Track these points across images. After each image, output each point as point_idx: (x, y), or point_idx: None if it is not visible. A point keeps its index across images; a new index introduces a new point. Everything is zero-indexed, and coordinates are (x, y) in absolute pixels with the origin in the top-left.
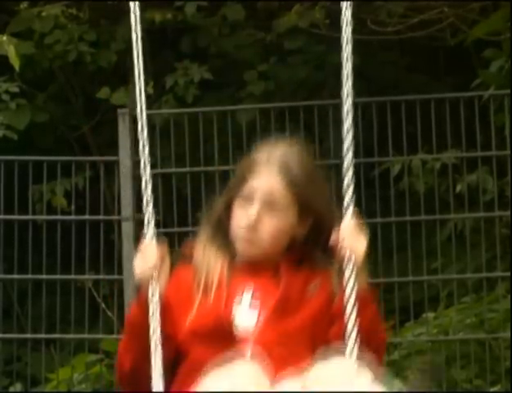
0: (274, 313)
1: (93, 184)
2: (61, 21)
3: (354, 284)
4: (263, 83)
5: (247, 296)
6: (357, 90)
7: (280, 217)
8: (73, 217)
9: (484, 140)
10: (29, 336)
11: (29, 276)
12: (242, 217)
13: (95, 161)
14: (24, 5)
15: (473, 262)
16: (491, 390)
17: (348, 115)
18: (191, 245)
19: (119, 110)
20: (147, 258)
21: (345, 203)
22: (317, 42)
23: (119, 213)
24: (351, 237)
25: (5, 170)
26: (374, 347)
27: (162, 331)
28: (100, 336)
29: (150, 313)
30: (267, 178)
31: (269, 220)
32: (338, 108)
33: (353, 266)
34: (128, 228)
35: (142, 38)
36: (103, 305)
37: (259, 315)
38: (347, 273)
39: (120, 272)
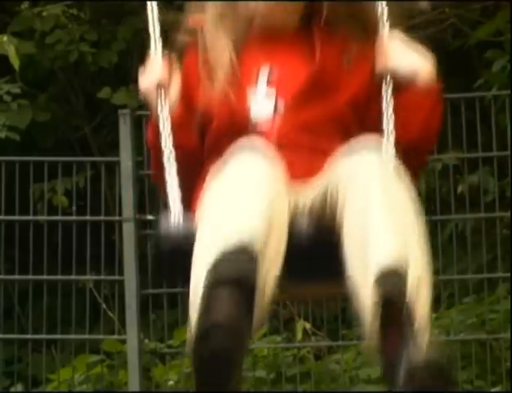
0: (298, 97)
1: (94, 185)
2: (62, 21)
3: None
4: None
5: (263, 78)
6: None
7: None
8: (74, 217)
9: (485, 141)
10: (29, 336)
11: (30, 276)
12: None
13: (96, 162)
14: (24, 5)
15: (474, 263)
16: (492, 390)
17: None
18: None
19: (120, 111)
20: (152, 73)
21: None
22: None
23: (120, 214)
24: (401, 56)
25: (6, 170)
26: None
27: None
28: (101, 336)
29: (161, 130)
30: None
31: None
32: None
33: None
34: (128, 228)
35: (142, 37)
36: (104, 306)
37: (278, 100)
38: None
39: (121, 272)
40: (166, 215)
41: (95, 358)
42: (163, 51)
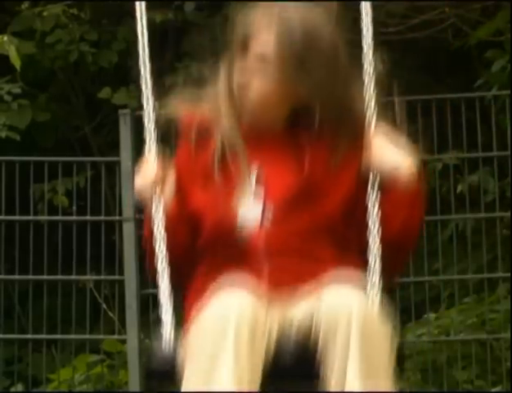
0: (285, 206)
1: (94, 185)
2: (62, 21)
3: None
4: None
5: (252, 181)
6: None
7: (273, 72)
8: (74, 217)
9: (485, 141)
10: (30, 336)
11: (30, 276)
12: (235, 75)
13: (96, 162)
14: (25, 5)
15: (474, 263)
16: (493, 390)
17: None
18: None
19: (121, 111)
20: (147, 174)
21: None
22: None
23: (120, 213)
24: (384, 156)
25: (6, 170)
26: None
27: (182, 212)
28: (101, 336)
29: (155, 231)
30: (257, 33)
31: (260, 73)
32: None
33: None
34: (129, 228)
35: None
36: (104, 306)
37: (266, 205)
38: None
39: (121, 272)
40: (159, 338)
41: (95, 358)
42: (158, 152)
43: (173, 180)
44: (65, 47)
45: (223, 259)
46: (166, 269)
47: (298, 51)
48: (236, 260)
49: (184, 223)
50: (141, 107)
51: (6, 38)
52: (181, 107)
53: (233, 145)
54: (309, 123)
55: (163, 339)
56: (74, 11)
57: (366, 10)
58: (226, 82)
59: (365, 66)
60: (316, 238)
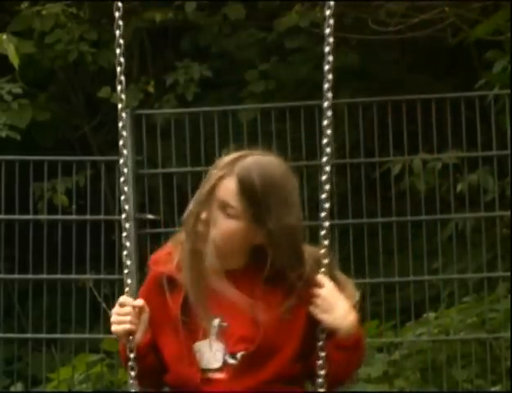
0: (246, 362)
1: (94, 184)
2: (62, 20)
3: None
4: (264, 83)
5: (215, 327)
6: (358, 89)
7: (235, 222)
8: (74, 217)
9: (485, 140)
10: (29, 335)
11: (30, 276)
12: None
13: (96, 161)
14: (24, 4)
15: (474, 262)
16: (492, 389)
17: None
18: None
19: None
20: (124, 317)
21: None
22: (318, 42)
23: (120, 213)
24: (323, 304)
25: (6, 170)
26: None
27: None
28: (101, 336)
29: (129, 368)
30: (224, 184)
31: (224, 223)
32: (338, 107)
33: (323, 330)
34: (129, 227)
35: (142, 37)
36: (104, 305)
37: (227, 354)
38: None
39: (121, 272)
40: None
41: (95, 357)
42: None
43: (146, 324)
44: (65, 47)
45: None
46: None
47: (258, 198)
48: None
49: (152, 352)
50: (140, 106)
51: (5, 36)
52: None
53: (196, 299)
54: (264, 269)
55: None
56: (74, 10)
57: (328, 8)
58: (190, 241)
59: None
60: (274, 385)
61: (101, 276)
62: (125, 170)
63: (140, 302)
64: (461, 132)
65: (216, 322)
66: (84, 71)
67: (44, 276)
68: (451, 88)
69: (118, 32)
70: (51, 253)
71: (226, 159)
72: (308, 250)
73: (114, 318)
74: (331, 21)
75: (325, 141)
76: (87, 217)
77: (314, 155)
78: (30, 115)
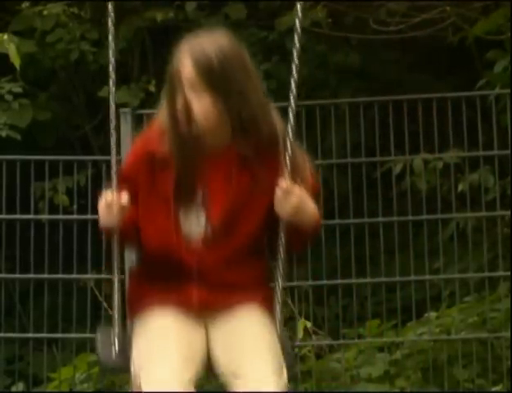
0: (221, 224)
1: (95, 183)
2: (63, 20)
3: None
4: (265, 82)
5: (198, 196)
6: (359, 89)
7: (206, 97)
8: (75, 216)
9: (486, 139)
10: (30, 335)
11: (31, 275)
12: (176, 101)
13: (97, 160)
14: (25, 4)
15: (475, 261)
16: (493, 389)
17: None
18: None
19: (122, 109)
20: (111, 214)
21: (285, 161)
22: (319, 42)
23: None
24: (280, 198)
25: (7, 169)
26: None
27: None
28: None
29: (115, 257)
30: (184, 64)
31: (199, 102)
32: (339, 107)
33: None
34: None
35: (143, 36)
36: (105, 305)
37: (207, 221)
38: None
39: (122, 271)
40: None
41: (96, 357)
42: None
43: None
44: (66, 46)
45: (162, 264)
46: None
47: (215, 67)
48: (172, 271)
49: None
50: (142, 106)
51: (6, 36)
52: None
53: (183, 169)
54: (242, 145)
55: (113, 333)
56: (75, 10)
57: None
58: (170, 114)
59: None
60: (240, 258)
61: (102, 276)
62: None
63: (125, 201)
64: (462, 131)
65: (200, 194)
66: (85, 71)
67: (45, 275)
68: (452, 87)
69: (110, 36)
70: (53, 253)
71: (181, 45)
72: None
73: (102, 213)
74: (298, 23)
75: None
76: (89, 217)
77: (315, 155)
78: (31, 115)
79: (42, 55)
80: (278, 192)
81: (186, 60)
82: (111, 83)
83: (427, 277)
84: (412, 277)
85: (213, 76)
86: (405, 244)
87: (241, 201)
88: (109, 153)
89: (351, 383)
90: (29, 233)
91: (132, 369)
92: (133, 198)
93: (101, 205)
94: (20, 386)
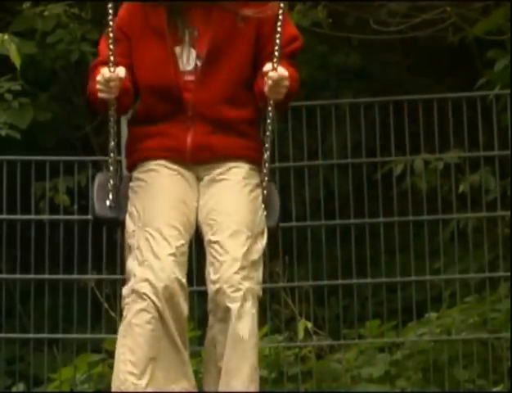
0: (209, 57)
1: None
2: (64, 21)
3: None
4: None
5: (188, 34)
6: (360, 90)
7: None
8: (75, 217)
9: (487, 140)
10: (31, 335)
11: (32, 276)
12: None
13: (97, 161)
14: (26, 4)
15: (475, 262)
16: (494, 389)
17: None
18: None
19: None
20: (110, 87)
21: (275, 48)
22: (319, 42)
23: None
24: (273, 87)
25: (7, 170)
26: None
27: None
28: (102, 335)
29: (111, 131)
30: None
31: None
32: (340, 107)
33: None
34: None
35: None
36: (106, 305)
37: (198, 57)
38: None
39: (123, 271)
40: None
41: (96, 357)
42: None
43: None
44: (66, 47)
45: (159, 104)
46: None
47: None
48: (168, 111)
49: (129, 90)
50: None
51: (6, 36)
52: None
53: (175, 12)
54: None
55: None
56: (75, 10)
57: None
58: None
59: None
60: (231, 94)
61: (103, 276)
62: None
63: (123, 73)
64: (463, 132)
65: (190, 30)
66: (86, 71)
67: (46, 276)
68: (453, 88)
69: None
70: (53, 253)
71: None
72: None
73: (101, 87)
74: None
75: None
76: (89, 217)
77: (315, 155)
78: (31, 115)
79: (42, 56)
80: (269, 82)
81: None
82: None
83: (427, 277)
84: (413, 278)
85: None
86: (405, 244)
87: (226, 35)
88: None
89: (351, 384)
90: (29, 234)
91: (126, 223)
92: (128, 47)
93: (100, 79)
94: (21, 387)
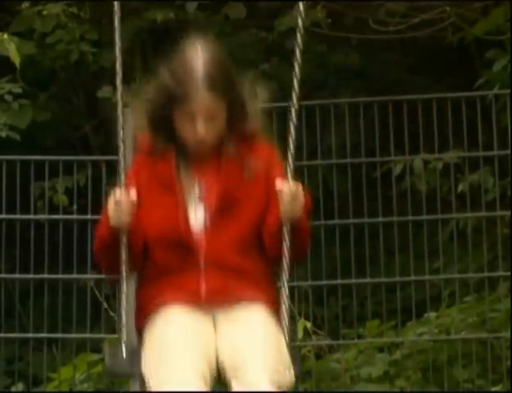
0: (219, 211)
1: (95, 183)
2: (63, 20)
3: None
4: (265, 83)
5: (196, 190)
6: (359, 89)
7: (220, 121)
8: (75, 216)
9: (486, 140)
10: (30, 335)
11: (31, 275)
12: (190, 131)
13: (97, 161)
14: (25, 4)
15: (474, 261)
16: (493, 389)
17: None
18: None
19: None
20: (121, 212)
21: (287, 164)
22: (319, 42)
23: None
24: (289, 201)
25: (7, 170)
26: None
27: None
28: (102, 335)
29: (123, 259)
30: (202, 101)
31: (213, 125)
32: (339, 107)
33: (289, 228)
34: None
35: (143, 37)
36: (105, 305)
37: (206, 211)
38: (284, 234)
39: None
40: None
41: (96, 357)
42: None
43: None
44: (66, 47)
45: (170, 256)
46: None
47: (227, 91)
48: (180, 263)
49: (139, 234)
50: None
51: (5, 36)
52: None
53: (181, 165)
54: (228, 143)
55: (121, 340)
56: (74, 10)
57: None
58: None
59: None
60: (243, 246)
61: (103, 276)
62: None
63: (134, 197)
64: (462, 132)
65: (197, 185)
66: (85, 71)
67: (45, 276)
68: (452, 87)
69: (117, 33)
70: (53, 253)
71: (185, 66)
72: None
73: (112, 213)
74: (300, 22)
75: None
76: (89, 217)
77: (315, 155)
78: (31, 116)
79: (41, 56)
80: (284, 197)
81: (204, 95)
82: (118, 80)
83: (427, 277)
84: (412, 278)
85: (226, 95)
86: (405, 244)
87: (235, 189)
88: (108, 153)
89: (351, 383)
90: (28, 233)
91: (144, 372)
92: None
93: (111, 203)
94: (20, 387)
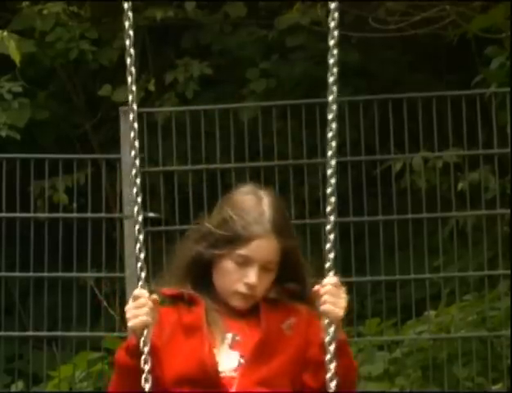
0: (255, 355)
1: (95, 182)
2: (63, 19)
3: (332, 343)
4: (265, 81)
5: (228, 338)
6: (359, 88)
7: (273, 272)
8: (75, 215)
9: (486, 138)
10: (30, 333)
11: (31, 274)
12: (238, 279)
13: (96, 159)
14: (25, 3)
15: (474, 260)
16: (493, 388)
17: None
18: (168, 285)
19: (121, 108)
20: (140, 309)
21: (327, 262)
22: (319, 40)
23: (121, 211)
24: (331, 298)
25: (7, 168)
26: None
27: (151, 373)
28: (102, 333)
29: (142, 363)
30: (265, 246)
31: (265, 279)
32: (339, 106)
33: (332, 325)
34: (129, 225)
35: (141, 36)
36: (105, 303)
37: (241, 357)
38: (327, 334)
39: (122, 270)
40: None
41: (96, 355)
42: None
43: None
44: (65, 45)
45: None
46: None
47: (288, 242)
48: None
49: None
50: (141, 104)
51: (5, 33)
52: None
53: (212, 318)
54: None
55: None
56: (74, 9)
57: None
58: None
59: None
60: (278, 384)
61: (102, 274)
62: (133, 171)
63: (155, 295)
64: (462, 130)
65: (229, 335)
66: (85, 69)
67: (45, 274)
68: (452, 86)
69: (127, 23)
70: (52, 251)
71: (249, 212)
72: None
73: (130, 313)
74: (336, 14)
75: (330, 135)
76: (88, 215)
77: (315, 154)
78: (29, 114)
79: (41, 54)
80: (329, 290)
81: (268, 242)
82: (129, 80)
83: (427, 275)
84: (412, 276)
85: (286, 246)
86: (405, 242)
87: (275, 340)
88: (108, 151)
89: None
90: (28, 232)
91: None
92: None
93: (131, 306)
94: (20, 385)
